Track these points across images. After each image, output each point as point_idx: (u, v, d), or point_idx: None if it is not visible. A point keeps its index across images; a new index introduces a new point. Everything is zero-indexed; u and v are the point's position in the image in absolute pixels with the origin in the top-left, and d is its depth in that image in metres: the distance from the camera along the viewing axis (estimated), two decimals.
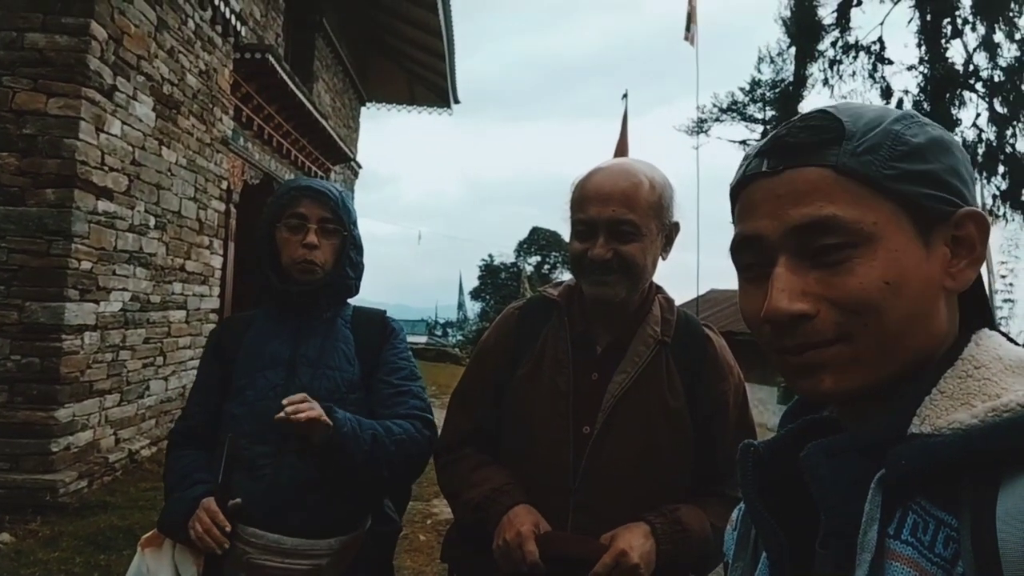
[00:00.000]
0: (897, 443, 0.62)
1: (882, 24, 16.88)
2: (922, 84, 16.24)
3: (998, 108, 15.98)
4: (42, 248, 5.06)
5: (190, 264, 7.28)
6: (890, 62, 16.87)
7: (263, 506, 1.72)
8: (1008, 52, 15.59)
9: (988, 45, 15.66)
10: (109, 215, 5.62)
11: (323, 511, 1.76)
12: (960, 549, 0.57)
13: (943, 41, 16.05)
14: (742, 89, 19.34)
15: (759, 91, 19.05)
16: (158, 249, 6.54)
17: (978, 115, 16.27)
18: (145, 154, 6.17)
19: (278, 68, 8.64)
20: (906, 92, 16.57)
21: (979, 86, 16.14)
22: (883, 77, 16.93)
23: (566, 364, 1.63)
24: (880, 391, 0.66)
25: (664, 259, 1.66)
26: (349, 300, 2.02)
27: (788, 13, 17.51)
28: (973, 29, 15.86)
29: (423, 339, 30.62)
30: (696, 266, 15.26)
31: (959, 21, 15.93)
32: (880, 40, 16.95)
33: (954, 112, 16.00)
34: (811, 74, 17.70)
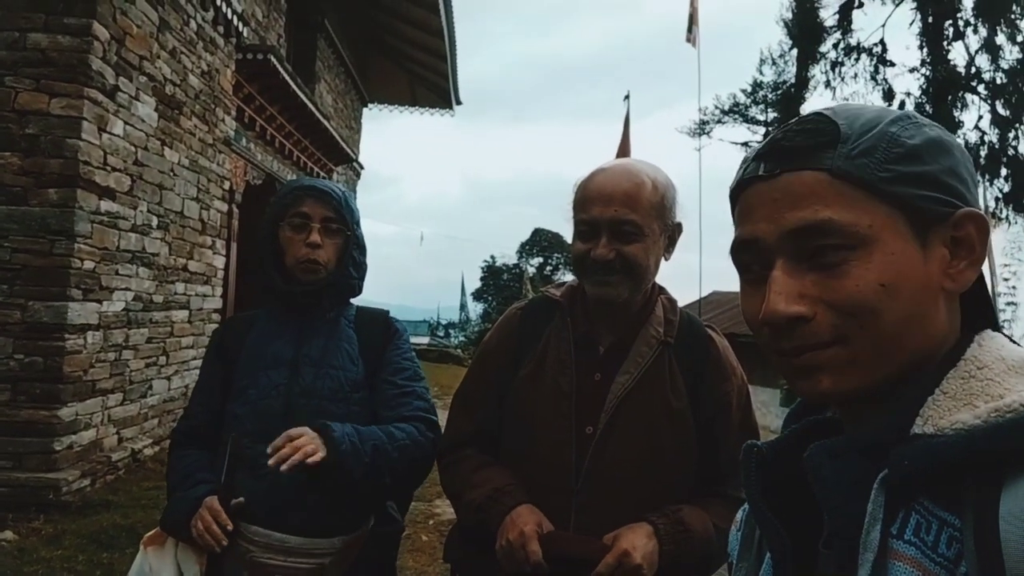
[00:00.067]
0: (900, 444, 0.62)
1: (884, 26, 16.89)
2: (924, 86, 16.23)
3: (1000, 110, 15.96)
4: (45, 248, 5.07)
5: (192, 264, 7.28)
6: (892, 64, 16.88)
7: (265, 505, 1.73)
8: (1010, 54, 15.60)
9: (990, 47, 15.65)
10: (112, 215, 5.62)
11: (325, 511, 1.76)
12: (963, 549, 0.57)
13: (945, 43, 16.04)
14: (744, 91, 19.36)
15: (761, 93, 19.06)
16: (161, 249, 6.55)
17: (980, 117, 16.28)
18: (148, 154, 6.18)
19: (280, 69, 8.65)
20: (908, 94, 16.59)
21: (981, 88, 16.13)
22: (885, 79, 16.94)
23: (569, 364, 1.63)
24: (879, 392, 0.66)
25: (667, 260, 1.66)
26: (352, 300, 2.02)
27: (790, 15, 17.52)
28: (975, 31, 15.86)
29: (425, 340, 30.63)
30: (699, 268, 15.25)
31: (961, 23, 15.93)
32: (882, 42, 16.96)
33: (956, 114, 15.99)
34: (813, 76, 17.72)
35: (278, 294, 1.91)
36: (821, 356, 0.65)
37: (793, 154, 0.68)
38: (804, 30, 17.22)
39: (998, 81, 15.86)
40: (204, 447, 1.88)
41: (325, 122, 10.88)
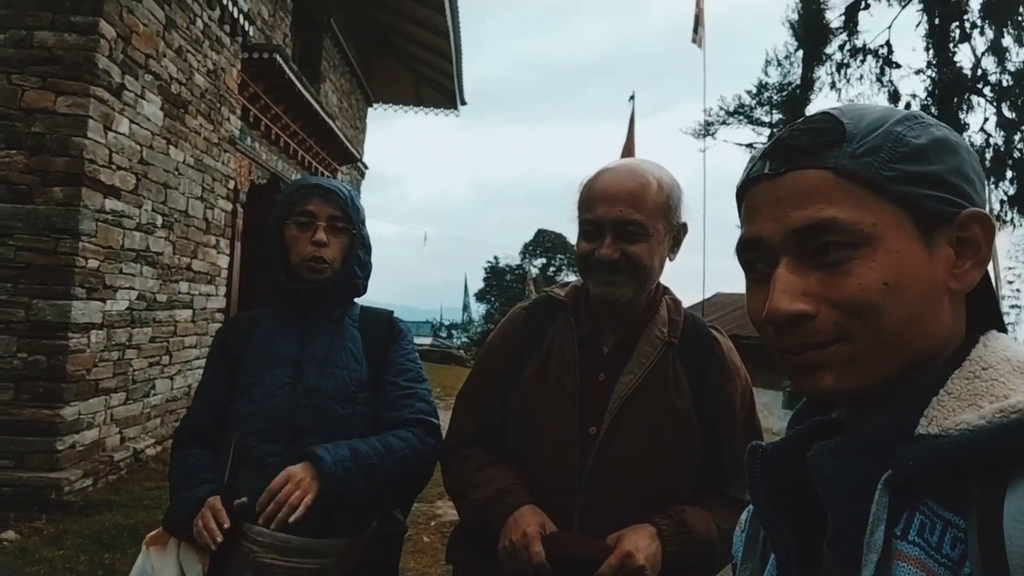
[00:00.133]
0: (904, 444, 0.62)
1: (890, 28, 16.84)
2: (930, 88, 16.20)
3: (1006, 113, 15.92)
4: (49, 246, 5.08)
5: (196, 263, 7.30)
6: (898, 66, 16.84)
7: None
8: (1016, 56, 15.56)
9: (996, 49, 15.62)
10: (116, 214, 5.64)
11: (329, 512, 1.76)
12: (967, 550, 0.57)
13: (951, 45, 16.01)
14: (749, 92, 19.30)
15: (766, 94, 19.01)
16: (165, 248, 6.56)
17: (986, 120, 16.24)
18: (153, 153, 6.19)
19: (286, 68, 8.66)
20: (914, 96, 16.53)
21: (987, 90, 16.10)
22: (891, 81, 16.90)
23: (572, 364, 1.63)
24: (882, 390, 0.66)
25: (672, 260, 1.66)
26: (356, 300, 2.02)
27: (796, 16, 17.48)
28: (981, 33, 15.82)
29: (428, 340, 30.68)
30: (702, 269, 15.25)
31: (967, 25, 15.89)
32: (888, 44, 16.92)
33: (962, 117, 15.95)
34: (818, 77, 17.68)
35: (283, 292, 1.91)
36: (824, 354, 0.65)
37: (798, 153, 0.68)
38: (810, 31, 17.20)
39: (1004, 83, 15.82)
40: (207, 446, 1.88)
41: (330, 122, 10.89)
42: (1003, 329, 0.71)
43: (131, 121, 5.77)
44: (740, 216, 0.74)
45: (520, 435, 1.67)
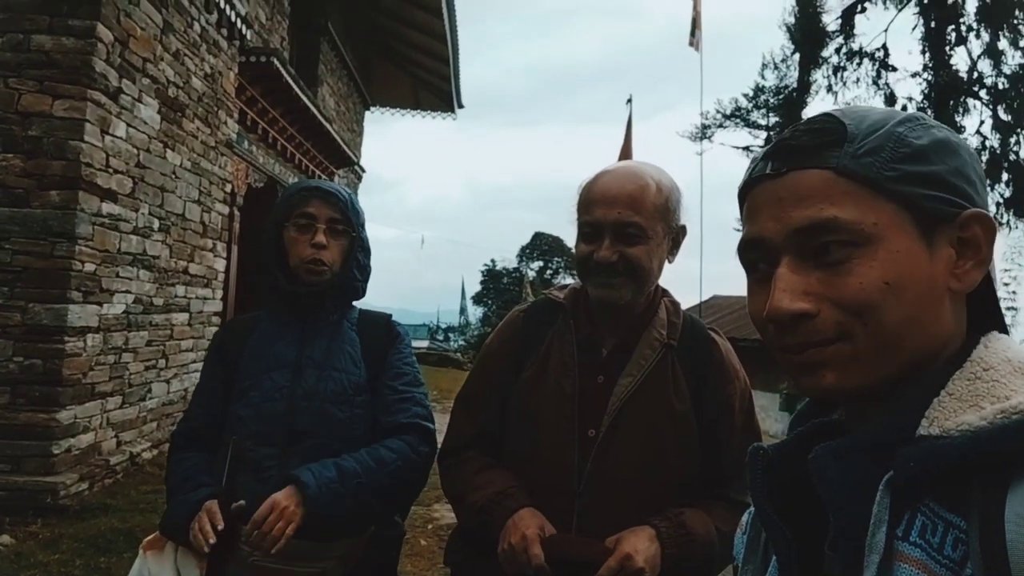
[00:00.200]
0: (905, 445, 0.62)
1: (886, 31, 16.91)
2: (926, 91, 16.26)
3: (1002, 115, 15.98)
4: (46, 250, 5.07)
5: (193, 267, 7.29)
6: (894, 69, 16.91)
7: None
8: (1012, 59, 15.63)
9: (992, 52, 15.68)
10: (113, 217, 5.63)
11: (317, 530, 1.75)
12: (969, 551, 0.57)
13: (947, 48, 16.06)
14: (746, 95, 19.37)
15: (763, 97, 19.07)
16: (161, 252, 6.55)
17: (982, 122, 16.30)
18: (150, 156, 6.18)
19: (283, 72, 8.66)
20: (910, 99, 16.59)
21: (983, 93, 16.15)
22: (887, 84, 16.97)
23: (571, 367, 1.63)
24: (883, 390, 0.66)
25: (671, 262, 1.66)
26: (354, 303, 2.02)
27: (792, 19, 17.55)
28: (977, 36, 15.89)
29: (425, 344, 30.67)
30: (699, 272, 15.24)
31: (963, 28, 15.95)
32: (884, 47, 16.99)
33: (958, 119, 16.01)
34: (815, 80, 17.75)
35: (282, 295, 1.91)
36: (824, 352, 0.66)
37: (800, 152, 0.68)
38: (806, 35, 17.25)
39: (1000, 86, 15.89)
40: (204, 450, 1.87)
41: (327, 125, 10.89)
42: (1004, 330, 0.71)
43: (128, 125, 5.77)
44: (742, 216, 0.74)
45: (519, 437, 1.67)
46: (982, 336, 0.68)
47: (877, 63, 16.99)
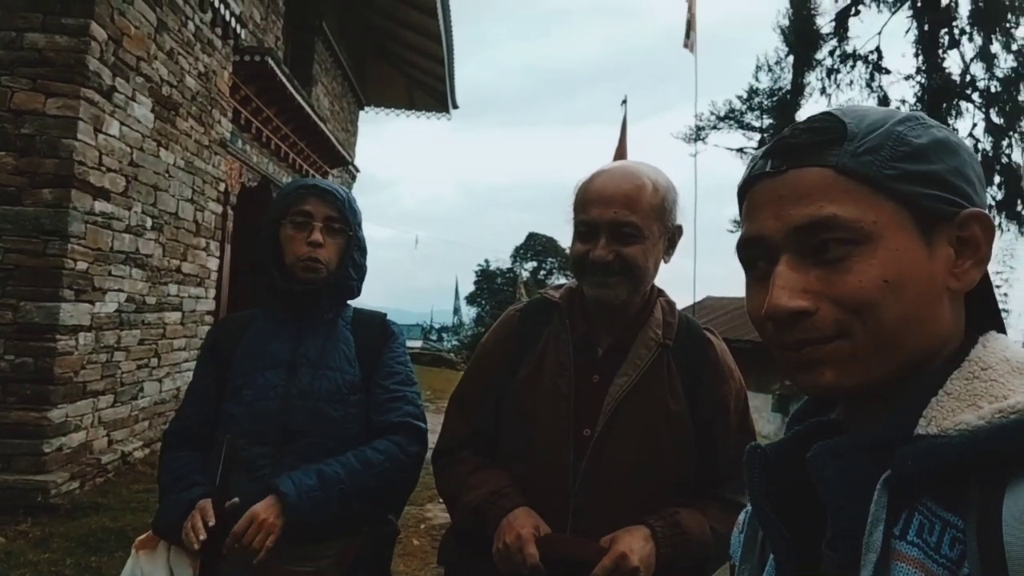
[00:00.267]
0: (903, 444, 0.62)
1: (880, 34, 16.95)
2: (919, 94, 16.31)
3: (994, 118, 16.04)
4: (38, 248, 5.05)
5: (186, 266, 7.26)
6: (887, 71, 16.95)
7: None
8: (1005, 63, 15.68)
9: (985, 56, 15.73)
10: (106, 216, 5.60)
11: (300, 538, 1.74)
12: (966, 550, 0.57)
13: (940, 51, 16.12)
14: (740, 97, 19.37)
15: (757, 99, 19.08)
16: (154, 250, 6.52)
17: (974, 125, 16.35)
18: (143, 155, 6.16)
19: (277, 71, 8.64)
20: (903, 101, 16.63)
21: (976, 96, 16.22)
22: (880, 86, 17.01)
23: (567, 366, 1.63)
24: (881, 389, 0.66)
25: (667, 262, 1.66)
26: (349, 302, 2.01)
27: (786, 22, 17.57)
28: (970, 39, 15.94)
29: (418, 343, 30.64)
30: (693, 273, 15.28)
31: (956, 31, 16.01)
32: (878, 49, 17.03)
33: (951, 122, 16.05)
34: (809, 83, 17.77)
35: (278, 293, 1.90)
36: (823, 350, 0.66)
37: (800, 151, 0.68)
38: (800, 37, 17.28)
39: (992, 89, 15.95)
40: (197, 448, 1.86)
41: (321, 125, 10.87)
42: (1002, 330, 0.71)
43: (121, 123, 5.74)
44: (741, 214, 0.74)
45: (514, 437, 1.66)
46: (980, 335, 0.68)
47: (871, 66, 17.04)
